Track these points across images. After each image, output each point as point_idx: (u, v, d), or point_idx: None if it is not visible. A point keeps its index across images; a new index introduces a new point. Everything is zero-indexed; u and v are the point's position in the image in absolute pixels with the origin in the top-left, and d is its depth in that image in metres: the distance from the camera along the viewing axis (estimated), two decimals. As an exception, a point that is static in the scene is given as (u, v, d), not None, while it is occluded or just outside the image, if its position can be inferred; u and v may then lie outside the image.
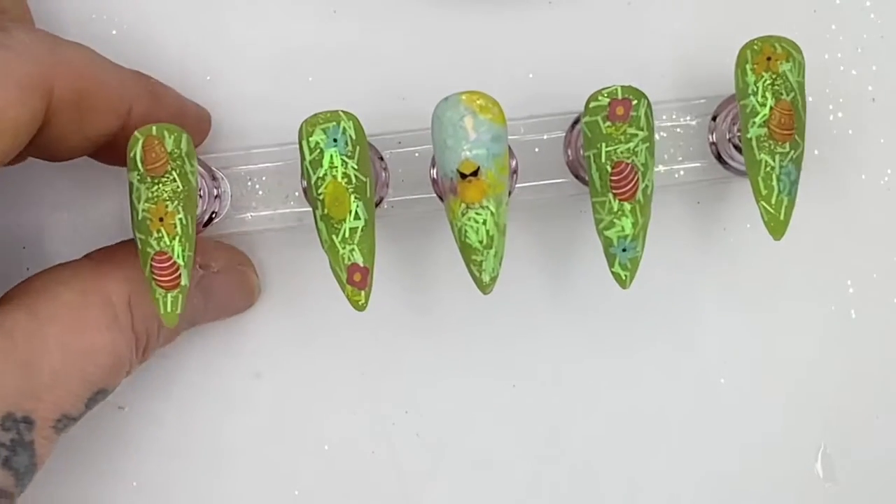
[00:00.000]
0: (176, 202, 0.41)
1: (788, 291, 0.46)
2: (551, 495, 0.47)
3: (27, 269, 0.47)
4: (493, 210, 0.40)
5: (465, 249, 0.40)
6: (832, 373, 0.46)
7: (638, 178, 0.40)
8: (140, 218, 0.41)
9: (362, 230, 0.40)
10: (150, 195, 0.41)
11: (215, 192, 0.44)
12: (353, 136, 0.40)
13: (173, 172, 0.41)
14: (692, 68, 0.45)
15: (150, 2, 0.46)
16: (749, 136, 0.40)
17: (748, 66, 0.40)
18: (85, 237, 0.46)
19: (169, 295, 0.41)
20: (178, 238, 0.41)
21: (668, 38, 0.46)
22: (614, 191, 0.40)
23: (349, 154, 0.40)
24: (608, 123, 0.40)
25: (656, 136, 0.42)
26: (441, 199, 0.41)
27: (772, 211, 0.40)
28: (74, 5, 0.46)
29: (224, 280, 0.45)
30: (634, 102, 0.40)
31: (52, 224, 0.47)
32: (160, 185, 0.41)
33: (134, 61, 0.46)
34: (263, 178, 0.45)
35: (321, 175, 0.40)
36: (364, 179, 0.40)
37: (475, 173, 0.40)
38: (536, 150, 0.44)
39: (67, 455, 0.47)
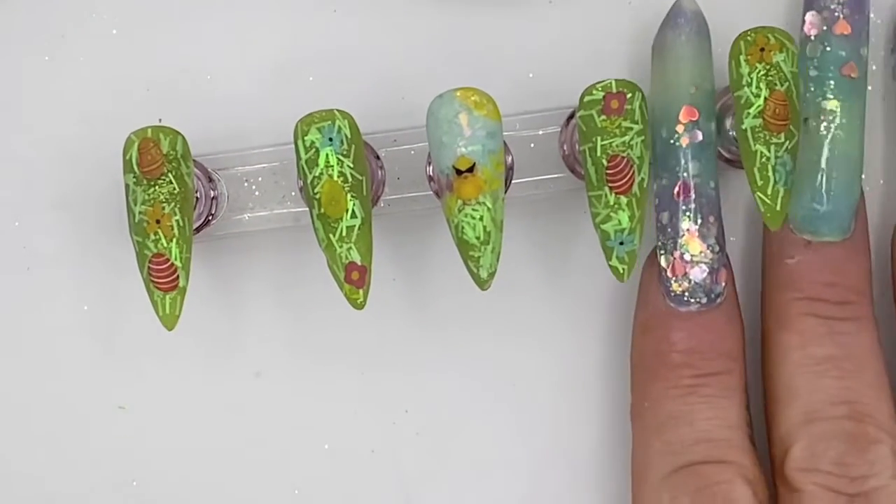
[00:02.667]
0: (172, 204, 0.41)
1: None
2: (552, 495, 0.47)
3: (27, 269, 0.47)
4: (490, 206, 0.40)
5: (463, 246, 0.40)
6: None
7: (634, 172, 0.41)
8: (137, 220, 0.41)
9: (359, 228, 0.40)
10: (146, 197, 0.41)
11: (212, 193, 0.44)
12: (349, 135, 0.40)
13: (169, 174, 0.41)
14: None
15: (150, 1, 0.47)
16: (744, 127, 0.40)
17: (742, 58, 0.40)
18: (85, 237, 0.47)
19: (167, 297, 0.41)
20: (175, 240, 0.41)
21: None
22: (610, 184, 0.41)
23: (345, 153, 0.40)
24: (603, 117, 0.41)
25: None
26: (437, 196, 0.41)
27: (768, 202, 0.40)
28: (75, 5, 0.47)
29: None
30: (629, 95, 0.40)
31: (52, 224, 0.47)
32: (156, 187, 0.41)
33: (134, 61, 0.47)
34: (260, 179, 0.45)
35: (317, 174, 0.40)
36: (360, 177, 0.40)
37: (471, 170, 0.40)
38: (532, 145, 0.44)
39: (68, 455, 0.47)
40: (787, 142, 0.40)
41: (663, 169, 0.42)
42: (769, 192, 0.40)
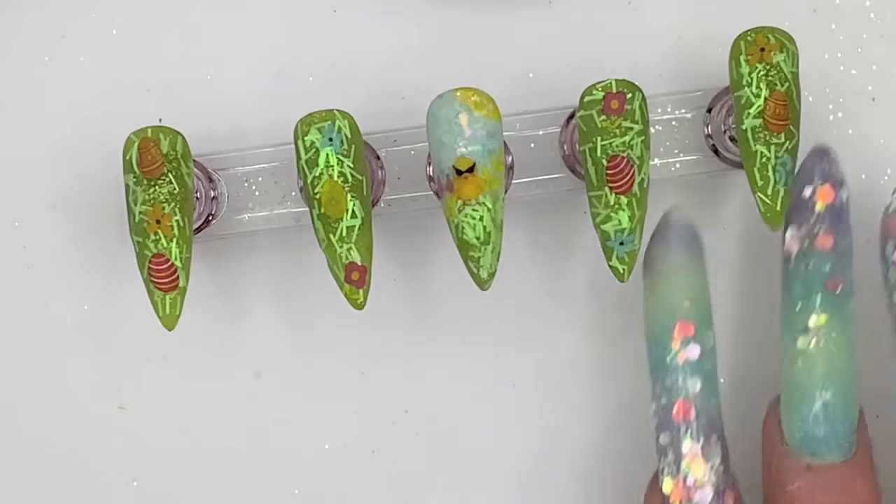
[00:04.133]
0: (173, 204, 0.41)
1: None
2: (551, 495, 0.47)
3: (27, 269, 0.47)
4: (490, 206, 0.40)
5: (463, 246, 0.40)
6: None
7: (634, 172, 0.40)
8: (137, 220, 0.41)
9: (359, 228, 0.40)
10: (146, 198, 0.41)
11: (212, 193, 0.44)
12: (349, 135, 0.40)
13: (169, 174, 0.41)
14: (688, 61, 0.45)
15: (150, 1, 0.47)
16: (744, 127, 0.40)
17: (742, 58, 0.40)
18: (85, 237, 0.46)
19: (167, 297, 0.41)
20: (175, 240, 0.41)
21: (668, 35, 0.46)
22: (610, 184, 0.40)
23: (345, 153, 0.40)
24: (603, 117, 0.40)
25: (651, 130, 0.42)
26: (438, 196, 0.41)
27: (768, 202, 0.40)
28: (75, 5, 0.47)
29: None
30: (629, 96, 0.40)
31: (52, 224, 0.47)
32: (156, 187, 0.41)
33: (134, 61, 0.47)
34: (260, 179, 0.44)
35: (317, 174, 0.40)
36: (360, 178, 0.40)
37: (471, 170, 0.40)
38: (532, 145, 0.44)
39: (68, 455, 0.47)
40: (788, 142, 0.40)
41: (661, 388, 0.41)
42: (769, 192, 0.40)
